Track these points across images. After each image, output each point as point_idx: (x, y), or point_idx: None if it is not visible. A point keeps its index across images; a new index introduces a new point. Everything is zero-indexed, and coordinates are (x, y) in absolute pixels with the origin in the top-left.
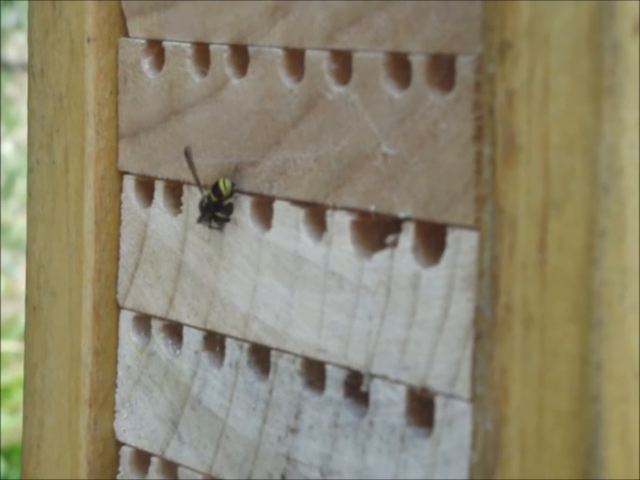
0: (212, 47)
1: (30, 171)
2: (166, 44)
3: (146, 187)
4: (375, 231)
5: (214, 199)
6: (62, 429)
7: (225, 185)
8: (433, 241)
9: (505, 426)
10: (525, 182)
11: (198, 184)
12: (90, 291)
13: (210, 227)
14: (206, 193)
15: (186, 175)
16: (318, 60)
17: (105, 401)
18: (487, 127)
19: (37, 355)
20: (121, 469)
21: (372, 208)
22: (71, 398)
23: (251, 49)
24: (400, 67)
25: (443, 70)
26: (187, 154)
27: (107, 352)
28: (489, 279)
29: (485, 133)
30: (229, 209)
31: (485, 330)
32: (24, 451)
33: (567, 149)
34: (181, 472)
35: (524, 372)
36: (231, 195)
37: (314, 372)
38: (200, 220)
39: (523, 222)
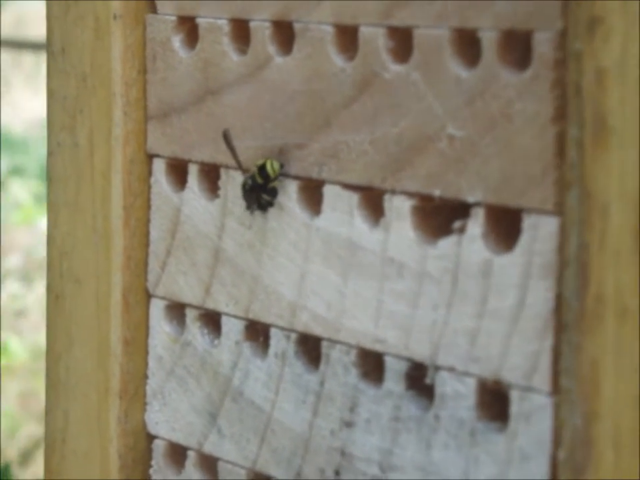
0: (252, 24)
1: (50, 154)
2: (199, 20)
3: (178, 171)
4: (438, 216)
5: (260, 181)
6: (90, 421)
7: (272, 167)
8: (502, 226)
9: (595, 422)
10: (617, 166)
11: (240, 167)
12: (119, 278)
13: (251, 212)
14: (249, 174)
15: (223, 158)
16: (373, 37)
17: (135, 392)
18: (573, 107)
19: (61, 345)
20: (154, 462)
21: (437, 192)
22: (100, 389)
23: (296, 26)
24: (467, 44)
25: (517, 47)
26: (226, 137)
27: (137, 342)
28: (575, 268)
29: (571, 113)
30: (273, 193)
31: (572, 321)
32: (47, 445)
33: None
34: (221, 466)
35: (617, 366)
36: (277, 177)
37: (370, 363)
38: (248, 206)
39: (616, 208)
